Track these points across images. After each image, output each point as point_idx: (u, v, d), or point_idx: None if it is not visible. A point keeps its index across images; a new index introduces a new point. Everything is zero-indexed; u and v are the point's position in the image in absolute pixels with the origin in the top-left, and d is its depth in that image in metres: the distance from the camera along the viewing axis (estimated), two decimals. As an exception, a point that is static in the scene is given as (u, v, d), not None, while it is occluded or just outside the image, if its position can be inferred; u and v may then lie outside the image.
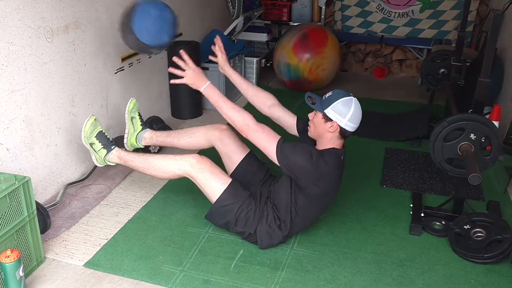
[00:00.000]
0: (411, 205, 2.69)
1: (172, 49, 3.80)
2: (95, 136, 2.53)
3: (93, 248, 2.34)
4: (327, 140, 2.25)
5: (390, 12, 5.26)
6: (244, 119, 2.23)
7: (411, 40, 5.23)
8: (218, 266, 2.23)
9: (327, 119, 2.20)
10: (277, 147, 2.16)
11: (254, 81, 4.71)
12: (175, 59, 2.26)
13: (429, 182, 3.03)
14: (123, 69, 3.32)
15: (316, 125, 2.25)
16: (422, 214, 2.58)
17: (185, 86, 4.02)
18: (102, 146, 2.53)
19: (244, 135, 2.25)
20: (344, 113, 2.17)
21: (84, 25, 2.83)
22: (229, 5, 4.34)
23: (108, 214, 2.63)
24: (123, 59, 3.30)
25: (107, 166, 2.97)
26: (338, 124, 2.19)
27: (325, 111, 2.20)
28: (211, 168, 2.33)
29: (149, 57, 3.64)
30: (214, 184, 2.31)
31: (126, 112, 2.73)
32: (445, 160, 2.33)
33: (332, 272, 2.20)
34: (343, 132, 2.21)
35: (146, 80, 3.66)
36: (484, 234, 2.32)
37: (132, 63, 3.41)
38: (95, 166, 3.03)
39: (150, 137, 2.74)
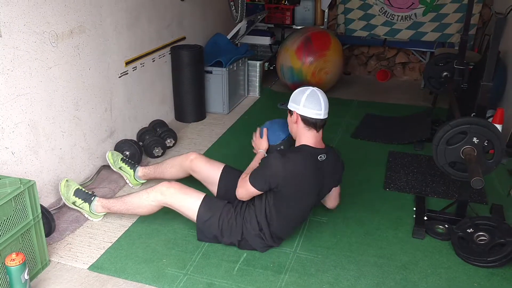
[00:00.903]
0: (414, 209, 2.69)
1: (176, 52, 3.83)
2: (74, 195, 2.59)
3: (98, 251, 2.35)
4: (299, 134, 2.28)
5: (393, 15, 5.27)
6: (239, 182, 2.33)
7: (414, 43, 5.23)
8: (222, 269, 2.24)
9: (290, 112, 2.28)
10: (249, 177, 2.23)
11: (257, 84, 4.72)
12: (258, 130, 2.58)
13: (432, 186, 3.03)
14: (127, 73, 3.34)
15: (288, 122, 2.35)
16: (425, 218, 2.58)
17: (188, 89, 4.08)
18: (83, 201, 2.57)
19: (238, 194, 2.33)
20: (298, 99, 2.21)
21: (88, 30, 2.85)
22: (232, 8, 4.36)
23: (112, 217, 2.64)
24: (127, 63, 3.32)
25: (113, 173, 3.01)
26: (297, 113, 2.22)
27: (288, 105, 2.28)
28: (182, 189, 2.37)
29: (153, 61, 3.66)
30: (188, 204, 2.35)
31: (112, 167, 2.93)
32: (448, 164, 2.33)
33: (335, 276, 2.21)
34: (305, 120, 2.22)
35: (150, 84, 3.68)
36: (487, 238, 2.32)
37: (136, 67, 3.43)
38: (100, 170, 3.06)
39: (143, 174, 2.88)
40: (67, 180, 2.63)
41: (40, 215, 2.16)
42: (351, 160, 3.30)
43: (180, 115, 4.08)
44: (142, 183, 2.95)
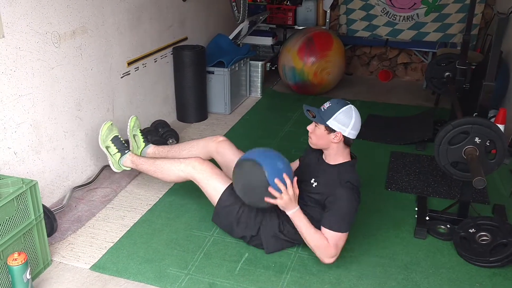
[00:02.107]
0: (416, 209, 2.69)
1: (178, 53, 3.83)
2: (111, 140, 2.67)
3: (99, 251, 2.35)
4: (335, 151, 2.24)
5: (395, 16, 5.26)
6: (327, 251, 2.15)
7: (416, 44, 5.23)
8: (223, 269, 2.24)
9: (330, 130, 2.20)
10: (339, 231, 2.14)
11: (259, 84, 4.72)
12: (277, 181, 2.10)
13: (434, 186, 3.02)
14: (129, 73, 3.35)
15: (319, 137, 2.24)
16: (427, 218, 2.58)
17: (190, 89, 4.07)
18: (117, 150, 2.67)
19: (322, 257, 2.17)
20: (347, 123, 2.18)
21: (90, 30, 2.86)
22: (234, 9, 4.37)
23: (114, 217, 2.65)
24: (129, 64, 3.33)
25: (114, 173, 3.00)
26: (342, 134, 2.19)
27: (328, 123, 2.19)
28: (212, 169, 2.41)
29: (155, 61, 3.67)
30: (215, 184, 2.38)
31: (128, 130, 2.85)
32: (450, 164, 2.33)
33: (337, 276, 2.21)
34: (346, 141, 2.21)
35: (152, 84, 3.69)
36: (490, 238, 2.32)
37: (138, 67, 3.44)
38: (102, 170, 3.06)
39: (153, 152, 2.84)
40: (111, 124, 2.70)
41: (42, 215, 2.16)
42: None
43: (182, 116, 4.08)
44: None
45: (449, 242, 2.44)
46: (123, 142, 2.71)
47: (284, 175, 2.12)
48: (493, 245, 2.29)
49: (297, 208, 2.16)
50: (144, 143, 2.87)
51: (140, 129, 2.91)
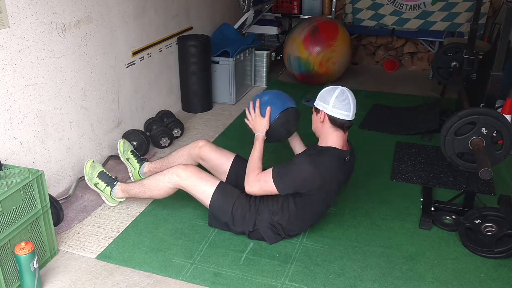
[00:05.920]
0: (421, 199, 2.68)
1: (183, 43, 3.82)
2: (97, 176, 2.61)
3: (105, 241, 2.37)
4: (324, 134, 2.26)
5: (402, 5, 5.21)
6: (251, 177, 2.27)
7: (422, 33, 5.18)
8: (228, 259, 2.25)
9: (317, 111, 2.25)
10: (273, 177, 2.19)
11: (264, 74, 4.70)
12: (251, 104, 2.45)
13: (440, 176, 3.01)
14: (134, 63, 3.34)
15: (313, 121, 2.31)
16: (432, 208, 2.58)
17: (195, 79, 4.06)
18: (106, 184, 2.59)
19: (250, 190, 2.27)
20: (327, 99, 2.19)
21: (96, 20, 2.85)
22: (240, -2, 4.34)
23: (120, 207, 2.66)
24: (134, 53, 3.32)
25: (120, 164, 3.01)
26: (325, 112, 2.20)
27: (315, 103, 2.26)
28: (197, 173, 2.36)
29: (160, 51, 3.66)
30: (203, 188, 2.33)
31: (120, 156, 2.85)
32: (456, 154, 2.31)
33: (341, 266, 2.21)
34: (333, 121, 2.20)
35: (157, 74, 3.68)
36: (495, 229, 2.31)
37: (143, 57, 3.43)
38: (107, 160, 3.08)
39: (149, 170, 2.80)
40: (93, 161, 2.64)
41: (48, 205, 2.18)
42: (358, 151, 3.29)
43: (187, 106, 4.08)
44: None
45: (455, 233, 2.44)
46: (109, 175, 2.64)
47: (257, 101, 2.42)
48: (498, 236, 2.28)
49: (261, 134, 2.37)
50: (138, 164, 2.84)
51: (131, 150, 2.88)
